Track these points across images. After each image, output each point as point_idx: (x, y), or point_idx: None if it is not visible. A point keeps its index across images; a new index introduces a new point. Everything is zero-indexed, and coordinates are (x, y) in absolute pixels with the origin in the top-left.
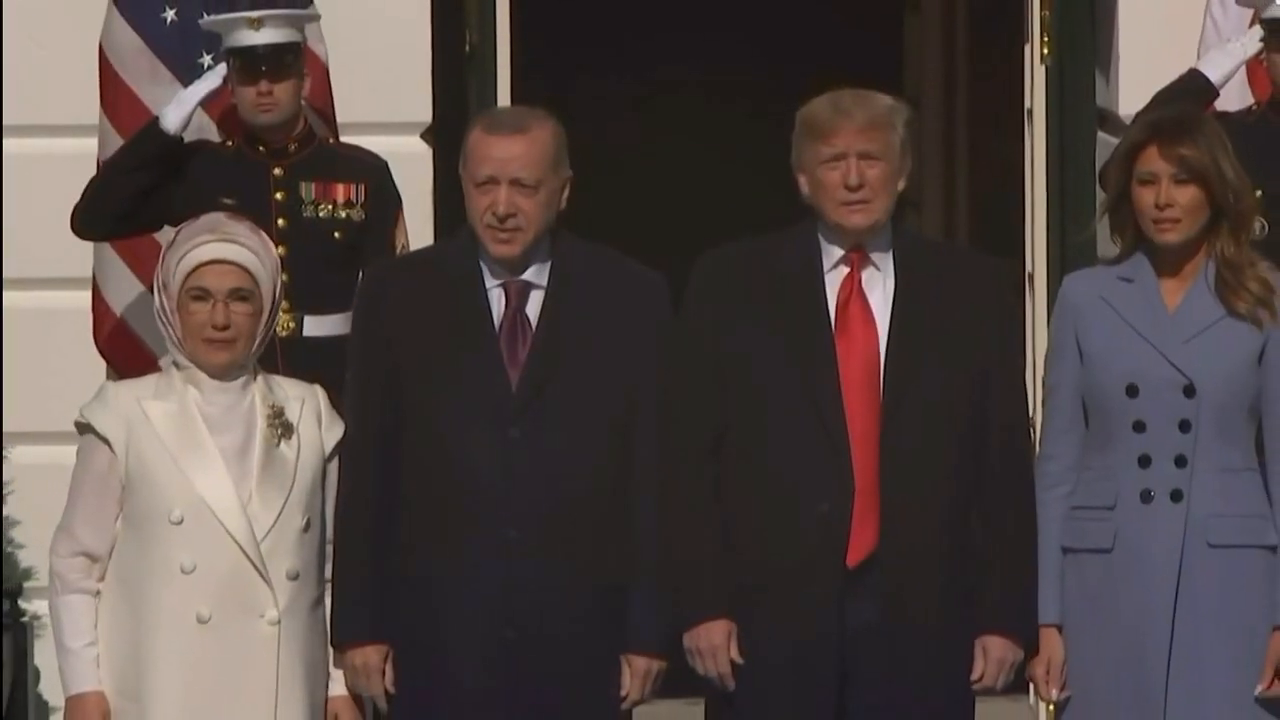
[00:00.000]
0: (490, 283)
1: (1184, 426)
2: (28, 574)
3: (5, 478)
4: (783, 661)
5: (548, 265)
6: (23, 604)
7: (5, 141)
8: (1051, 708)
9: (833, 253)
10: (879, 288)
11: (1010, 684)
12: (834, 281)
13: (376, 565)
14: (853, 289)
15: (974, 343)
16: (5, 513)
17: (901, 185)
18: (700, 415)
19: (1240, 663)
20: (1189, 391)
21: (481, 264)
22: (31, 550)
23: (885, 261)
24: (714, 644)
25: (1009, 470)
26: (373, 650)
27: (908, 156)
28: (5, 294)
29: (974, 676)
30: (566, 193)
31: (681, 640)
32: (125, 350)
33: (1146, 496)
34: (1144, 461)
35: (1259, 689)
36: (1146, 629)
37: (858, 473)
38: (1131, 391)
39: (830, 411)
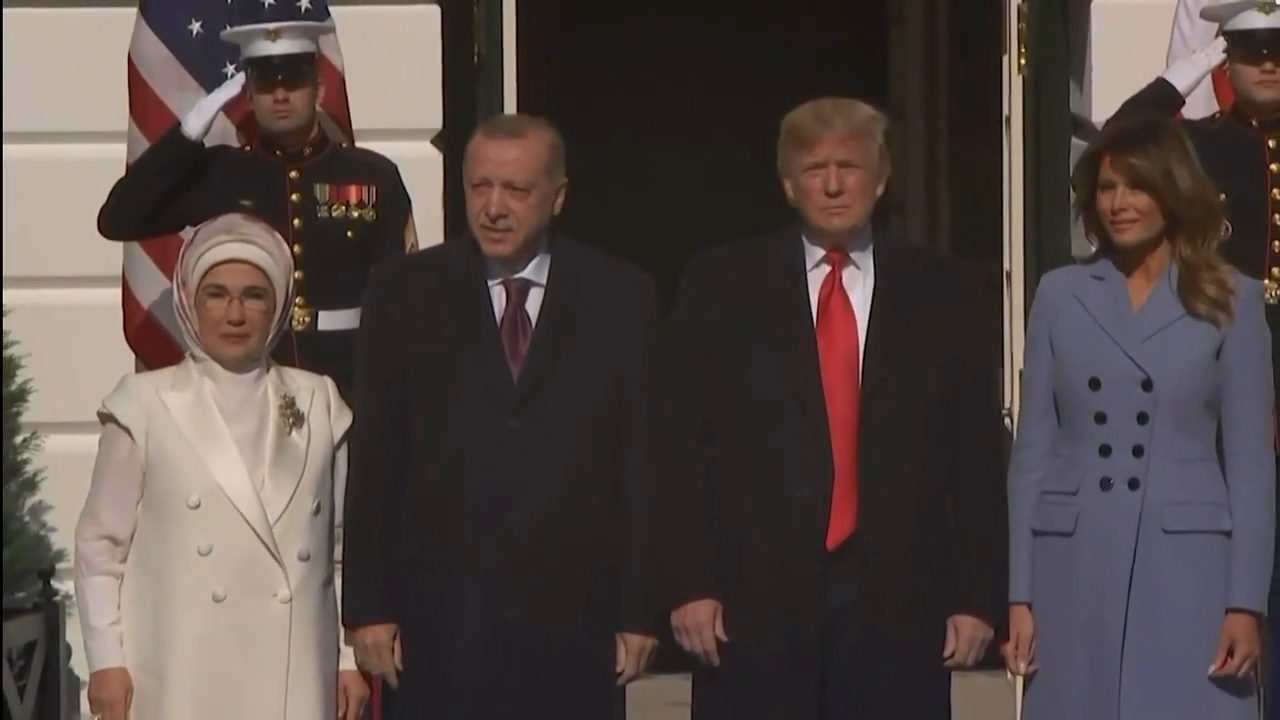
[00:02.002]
0: (492, 281)
1: (1142, 419)
2: (59, 556)
3: (37, 465)
4: (766, 639)
5: (547, 265)
6: (55, 584)
7: (35, 147)
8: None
9: (815, 253)
10: (859, 286)
11: (984, 660)
12: (816, 279)
13: (385, 549)
14: (834, 286)
15: (949, 339)
16: (38, 498)
17: (880, 190)
18: (690, 405)
19: (1192, 643)
20: (1147, 385)
21: (484, 263)
22: (63, 534)
23: (865, 261)
24: (700, 622)
25: (982, 463)
26: (382, 629)
27: (886, 163)
28: (37, 291)
29: (946, 653)
30: (562, 198)
31: (670, 618)
32: (153, 343)
33: (1106, 484)
34: (1104, 451)
35: (1212, 668)
36: (1103, 609)
37: (837, 459)
38: (1094, 384)
39: (811, 400)
